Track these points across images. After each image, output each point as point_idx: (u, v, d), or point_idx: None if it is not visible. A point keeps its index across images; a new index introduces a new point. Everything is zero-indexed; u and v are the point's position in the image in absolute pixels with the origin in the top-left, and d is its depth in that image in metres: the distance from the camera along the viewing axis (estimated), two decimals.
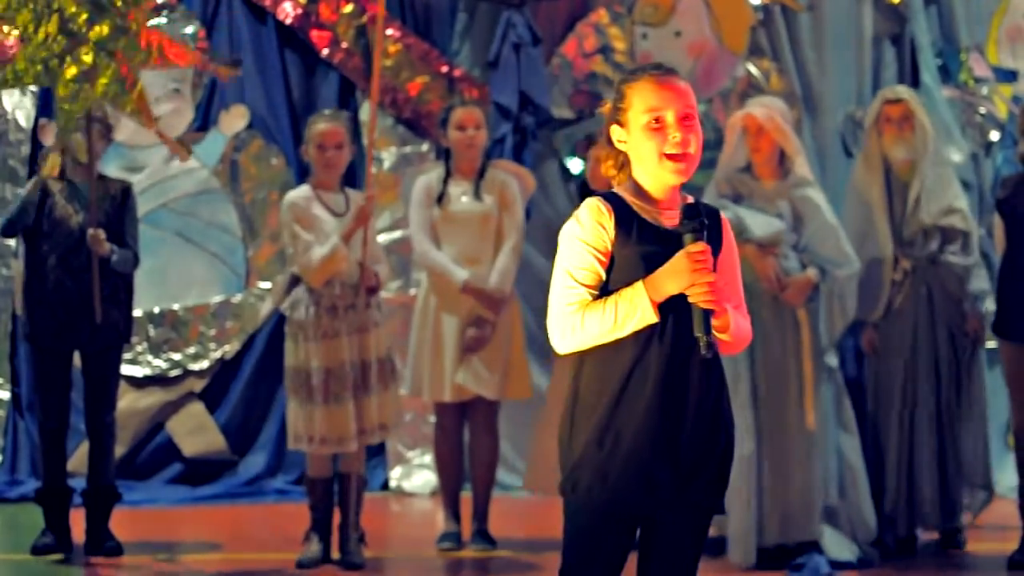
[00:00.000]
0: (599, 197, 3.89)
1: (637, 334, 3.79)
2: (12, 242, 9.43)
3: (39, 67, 6.85)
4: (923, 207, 7.41)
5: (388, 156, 9.59)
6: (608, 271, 3.84)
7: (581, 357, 3.87)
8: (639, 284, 3.77)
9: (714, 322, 3.77)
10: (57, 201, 7.27)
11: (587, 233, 3.84)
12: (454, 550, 7.53)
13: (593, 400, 3.84)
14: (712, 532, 7.20)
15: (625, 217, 3.85)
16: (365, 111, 9.57)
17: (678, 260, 3.75)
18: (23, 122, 9.40)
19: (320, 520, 7.14)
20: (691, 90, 3.93)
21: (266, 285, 9.42)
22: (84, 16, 6.84)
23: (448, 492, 7.70)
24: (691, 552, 3.93)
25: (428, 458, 9.16)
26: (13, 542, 7.46)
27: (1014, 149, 9.63)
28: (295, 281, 7.20)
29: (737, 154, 7.26)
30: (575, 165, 9.60)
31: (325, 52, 9.55)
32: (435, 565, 7.45)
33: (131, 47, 6.85)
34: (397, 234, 9.08)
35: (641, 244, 3.82)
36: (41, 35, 6.82)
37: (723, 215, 3.99)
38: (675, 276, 3.75)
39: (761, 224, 7.06)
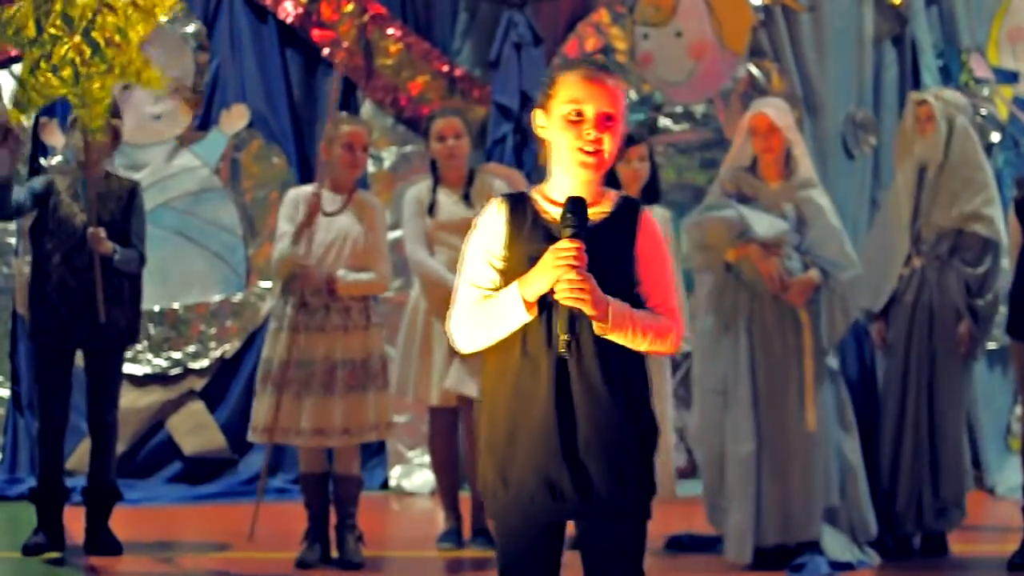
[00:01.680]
0: (503, 197, 3.87)
1: (525, 332, 3.76)
2: (13, 240, 9.46)
3: (58, 78, 6.88)
4: (940, 208, 7.40)
5: (388, 156, 9.60)
6: (507, 271, 3.81)
7: (484, 356, 3.86)
8: (514, 283, 3.74)
9: (597, 324, 3.69)
10: (62, 199, 7.28)
11: (481, 234, 3.85)
12: (454, 549, 7.54)
13: (490, 400, 3.83)
14: (711, 530, 7.26)
15: (520, 216, 3.82)
16: (366, 110, 9.58)
17: (545, 257, 3.70)
18: (24, 121, 9.40)
19: (316, 517, 7.14)
20: (621, 92, 3.84)
21: (266, 284, 9.42)
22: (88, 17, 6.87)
23: (446, 492, 7.71)
24: (624, 558, 3.84)
25: (428, 457, 9.16)
26: (13, 541, 7.45)
27: (1015, 150, 9.65)
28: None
29: (742, 154, 7.25)
30: None
31: (326, 51, 9.55)
32: (435, 564, 7.45)
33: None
34: (397, 233, 9.08)
35: (531, 243, 3.78)
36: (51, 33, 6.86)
37: (645, 210, 3.89)
38: (542, 273, 3.69)
39: (765, 224, 7.05)
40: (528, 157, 9.40)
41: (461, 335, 3.83)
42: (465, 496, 7.86)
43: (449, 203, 7.57)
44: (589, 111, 3.79)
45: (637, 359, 3.82)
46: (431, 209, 7.56)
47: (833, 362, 7.19)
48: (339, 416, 7.01)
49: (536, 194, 3.87)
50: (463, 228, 7.44)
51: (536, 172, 9.51)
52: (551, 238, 3.75)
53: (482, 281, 3.82)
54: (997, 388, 9.35)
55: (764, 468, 7.03)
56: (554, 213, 3.80)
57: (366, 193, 7.45)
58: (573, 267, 3.66)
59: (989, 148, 9.68)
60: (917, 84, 9.53)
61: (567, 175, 3.83)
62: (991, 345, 9.36)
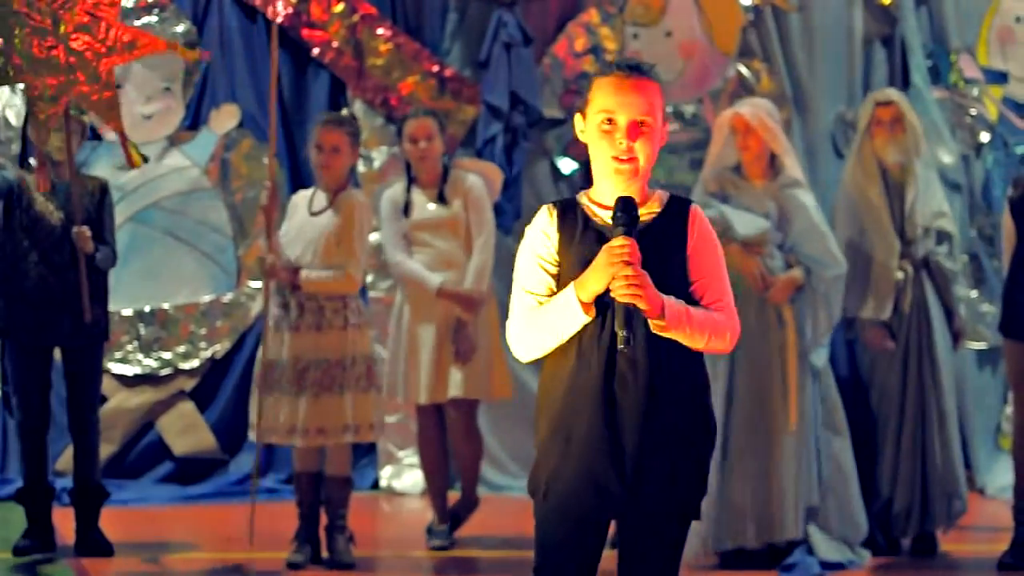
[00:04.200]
0: (553, 202, 3.90)
1: (580, 335, 3.79)
2: None
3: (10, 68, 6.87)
4: (918, 209, 7.44)
5: (378, 155, 9.59)
6: (561, 275, 3.83)
7: (543, 360, 3.89)
8: (570, 285, 3.76)
9: (654, 321, 3.72)
10: (35, 198, 7.26)
11: (532, 241, 3.87)
12: (444, 549, 7.54)
13: (547, 403, 3.86)
14: None
15: (570, 221, 3.84)
16: (356, 110, 9.56)
17: (599, 256, 3.73)
18: (13, 120, 9.39)
19: (307, 517, 7.14)
20: (655, 95, 3.83)
21: (257, 284, 9.41)
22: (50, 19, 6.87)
23: (435, 492, 7.72)
24: (663, 557, 3.87)
25: (418, 458, 9.16)
26: (4, 541, 7.44)
27: (1004, 151, 9.66)
28: None
29: (726, 153, 7.27)
30: (566, 165, 9.60)
31: (316, 51, 9.55)
32: (425, 564, 7.46)
33: (98, 42, 6.87)
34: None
35: (583, 247, 3.81)
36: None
37: (695, 208, 3.91)
38: (597, 272, 3.72)
39: (746, 223, 7.07)
40: (518, 156, 9.40)
41: (519, 343, 3.86)
42: (456, 495, 7.87)
43: (423, 203, 7.59)
44: (621, 120, 3.81)
45: (692, 357, 3.84)
46: (406, 210, 7.57)
47: (819, 361, 7.18)
48: (307, 416, 7.01)
49: (584, 199, 3.89)
50: (439, 227, 7.54)
51: (528, 171, 9.54)
52: (603, 241, 3.77)
53: (536, 288, 3.85)
54: (987, 388, 9.36)
55: (745, 468, 7.04)
56: (604, 217, 3.83)
57: (354, 192, 7.43)
58: (628, 263, 3.68)
59: (979, 148, 9.70)
60: (906, 84, 9.54)
61: (607, 181, 3.86)
62: (981, 345, 9.37)
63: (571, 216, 3.85)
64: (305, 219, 7.17)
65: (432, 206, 7.57)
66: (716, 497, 7.01)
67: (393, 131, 9.51)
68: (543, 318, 3.80)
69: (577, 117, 3.91)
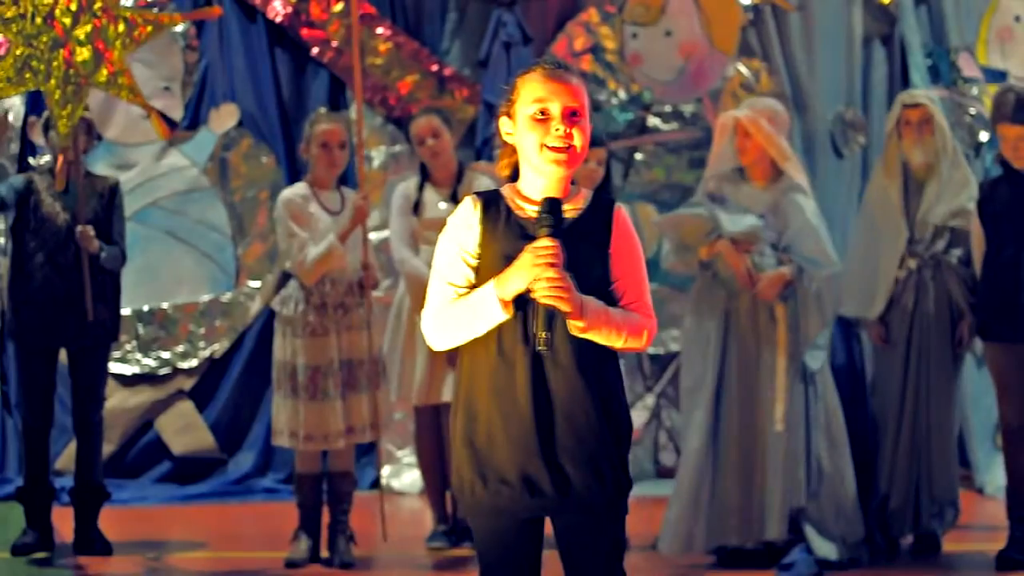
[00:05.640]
0: (476, 194, 3.89)
1: (501, 330, 3.78)
2: (1, 240, 9.44)
3: (28, 74, 6.87)
4: (934, 208, 7.39)
5: (377, 155, 9.59)
6: (481, 268, 3.82)
7: (460, 354, 3.88)
8: (490, 282, 3.75)
9: (573, 322, 3.71)
10: (43, 199, 7.26)
11: (455, 231, 3.86)
12: (444, 549, 7.54)
13: (466, 398, 3.84)
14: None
15: (494, 214, 3.83)
16: (355, 110, 9.56)
17: (522, 256, 3.72)
18: (12, 120, 9.39)
19: (308, 518, 7.15)
20: (583, 88, 3.86)
21: (256, 284, 9.41)
22: (69, 20, 6.86)
23: (434, 492, 7.71)
24: (603, 551, 3.86)
25: (416, 458, 9.16)
26: (2, 540, 7.44)
27: None
28: (285, 278, 7.23)
29: (727, 154, 7.26)
30: None
31: (315, 51, 9.55)
32: (425, 564, 7.45)
33: (109, 31, 6.89)
34: (385, 233, 9.09)
35: (505, 241, 3.80)
36: (31, 29, 6.84)
37: (619, 207, 3.92)
38: (519, 272, 3.72)
39: (735, 221, 7.07)
40: None
41: (435, 333, 3.85)
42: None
43: (435, 201, 7.58)
44: (554, 108, 3.81)
45: (610, 356, 3.85)
46: (416, 208, 7.57)
47: (815, 363, 7.15)
48: (367, 413, 7.12)
49: (509, 192, 3.88)
50: None
51: None
52: (526, 236, 3.78)
53: (456, 279, 3.84)
54: (986, 388, 9.33)
55: (730, 466, 7.03)
56: (529, 211, 3.82)
57: (347, 189, 7.46)
58: (551, 266, 3.68)
59: (978, 147, 9.69)
60: (906, 83, 9.54)
61: (539, 175, 3.84)
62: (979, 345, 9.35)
63: (495, 208, 3.84)
64: (329, 220, 7.15)
65: (444, 205, 7.56)
66: (707, 495, 7.01)
67: (391, 130, 9.53)
68: (460, 312, 3.79)
69: (503, 120, 3.89)
